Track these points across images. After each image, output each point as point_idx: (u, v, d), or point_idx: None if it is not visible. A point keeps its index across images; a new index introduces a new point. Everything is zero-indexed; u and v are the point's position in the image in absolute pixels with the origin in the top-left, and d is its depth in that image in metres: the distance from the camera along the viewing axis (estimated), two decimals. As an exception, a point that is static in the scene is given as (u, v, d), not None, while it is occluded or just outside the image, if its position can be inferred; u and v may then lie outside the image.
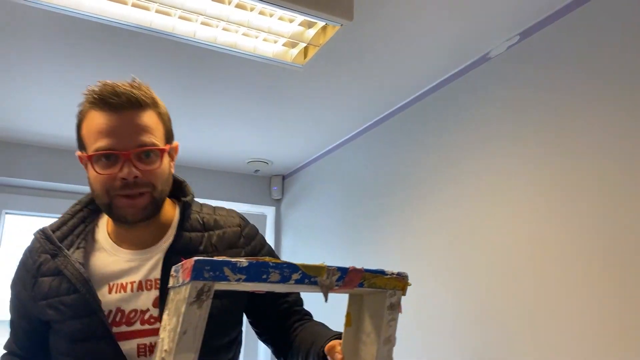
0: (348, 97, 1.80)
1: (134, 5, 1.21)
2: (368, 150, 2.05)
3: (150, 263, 0.95)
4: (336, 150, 2.28)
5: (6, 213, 2.27)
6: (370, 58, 1.52)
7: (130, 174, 0.87)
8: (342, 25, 1.23)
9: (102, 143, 0.88)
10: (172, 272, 0.73)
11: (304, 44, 1.35)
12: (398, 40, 1.43)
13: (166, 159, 0.95)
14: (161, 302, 0.91)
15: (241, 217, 1.06)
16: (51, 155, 2.28)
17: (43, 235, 0.97)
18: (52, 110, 1.90)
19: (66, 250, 0.94)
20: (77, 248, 0.96)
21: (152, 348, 0.92)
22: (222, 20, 1.22)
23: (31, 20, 1.31)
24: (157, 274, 0.94)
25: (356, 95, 1.78)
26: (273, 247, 2.23)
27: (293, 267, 0.71)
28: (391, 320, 0.80)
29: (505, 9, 1.30)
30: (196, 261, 0.65)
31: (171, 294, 0.74)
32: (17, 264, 1.01)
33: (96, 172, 0.89)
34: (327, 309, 1.16)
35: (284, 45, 1.37)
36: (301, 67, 1.43)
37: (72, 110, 1.87)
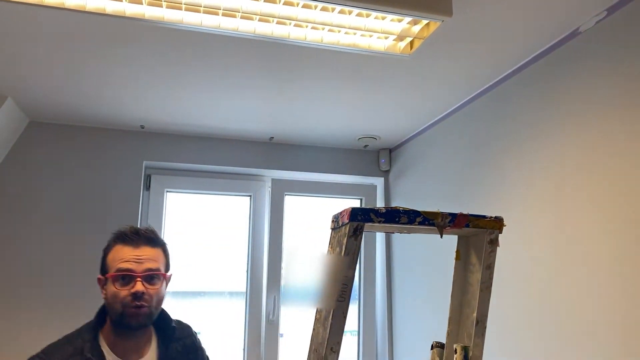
0: (448, 77, 2.02)
1: (261, 19, 1.56)
2: (468, 123, 2.26)
3: None
4: (437, 125, 2.51)
5: (167, 191, 2.82)
6: (468, 42, 1.73)
7: (139, 289, 1.28)
8: (442, 21, 1.47)
9: (123, 265, 1.29)
10: (332, 219, 1.07)
11: (411, 38, 1.61)
12: (492, 23, 1.63)
13: (164, 283, 1.36)
14: None
15: (191, 327, 1.51)
16: (201, 142, 2.77)
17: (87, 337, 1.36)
18: (201, 105, 2.35)
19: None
20: None
21: None
22: (345, 27, 1.53)
23: (190, 43, 1.72)
24: None
25: (455, 74, 2.00)
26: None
27: (416, 213, 1.01)
28: (491, 252, 1.07)
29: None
30: (352, 209, 0.98)
31: (332, 233, 1.08)
32: None
33: (115, 288, 1.29)
34: (444, 252, 1.43)
35: (394, 40, 1.65)
36: (408, 56, 1.70)
37: (215, 104, 2.31)
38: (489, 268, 1.08)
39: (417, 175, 2.73)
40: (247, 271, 2.86)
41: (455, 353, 1.11)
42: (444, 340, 1.21)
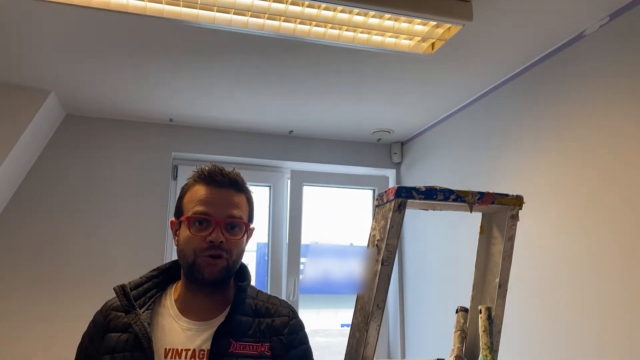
0: (464, 75, 2.20)
1: (285, 20, 1.73)
2: (479, 118, 2.44)
3: (204, 335, 1.07)
4: (448, 119, 2.69)
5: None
6: (484, 43, 1.91)
7: (217, 238, 1.05)
8: (464, 25, 1.65)
9: (201, 208, 1.07)
10: (377, 197, 1.25)
11: (434, 40, 1.79)
12: (507, 27, 1.81)
13: (245, 235, 1.13)
14: None
15: (291, 309, 1.19)
16: (225, 134, 2.95)
17: (122, 291, 1.10)
18: (225, 100, 2.52)
19: (138, 309, 1.07)
20: (147, 309, 1.08)
21: None
22: (375, 29, 1.70)
23: (223, 42, 1.89)
24: (208, 346, 1.05)
25: (471, 73, 2.17)
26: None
27: (451, 191, 1.19)
28: (512, 226, 1.25)
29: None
30: (398, 187, 1.16)
31: (376, 210, 1.26)
32: (90, 323, 1.14)
33: (190, 232, 1.07)
34: (475, 226, 1.60)
35: (417, 41, 1.82)
36: (430, 56, 1.87)
37: (238, 100, 2.49)
38: (510, 240, 1.26)
39: (427, 167, 2.90)
40: (268, 255, 3.04)
41: (480, 313, 1.29)
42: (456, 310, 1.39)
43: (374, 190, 3.26)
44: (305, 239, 3.04)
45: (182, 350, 1.04)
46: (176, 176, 2.93)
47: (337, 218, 3.24)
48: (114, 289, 1.10)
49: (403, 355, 2.95)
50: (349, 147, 3.16)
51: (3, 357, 2.37)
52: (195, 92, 2.42)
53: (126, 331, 1.04)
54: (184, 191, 1.14)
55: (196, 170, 1.14)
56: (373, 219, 1.25)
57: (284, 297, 2.97)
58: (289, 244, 3.02)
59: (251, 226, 1.17)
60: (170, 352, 1.03)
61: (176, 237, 1.12)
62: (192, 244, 1.07)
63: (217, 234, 1.06)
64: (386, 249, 1.18)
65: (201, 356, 1.03)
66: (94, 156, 2.72)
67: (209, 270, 1.06)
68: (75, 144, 2.70)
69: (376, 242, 1.21)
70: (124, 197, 2.72)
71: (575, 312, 1.78)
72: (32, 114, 2.32)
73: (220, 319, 1.09)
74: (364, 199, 3.32)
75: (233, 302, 1.10)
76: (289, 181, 3.11)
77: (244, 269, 1.18)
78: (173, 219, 1.14)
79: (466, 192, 1.20)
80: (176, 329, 1.07)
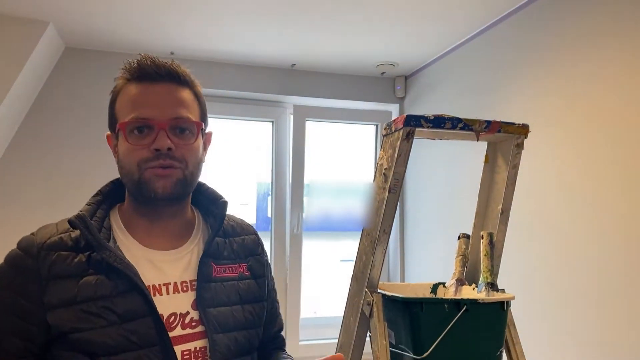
0: (466, 4, 2.15)
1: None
2: (483, 52, 2.40)
3: (181, 264, 0.91)
4: (452, 53, 2.65)
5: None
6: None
7: (164, 143, 0.84)
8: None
9: (137, 112, 0.86)
10: (385, 126, 1.26)
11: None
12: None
13: (200, 139, 0.92)
14: (199, 304, 0.88)
15: (251, 225, 1.08)
16: (226, 68, 2.91)
17: (83, 223, 0.85)
18: (227, 33, 2.47)
19: (106, 243, 0.85)
20: (114, 243, 0.88)
21: (197, 354, 0.87)
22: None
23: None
24: (190, 275, 0.90)
25: (474, 2, 2.12)
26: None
27: (459, 119, 1.21)
28: (517, 154, 1.28)
29: None
30: (407, 115, 1.17)
31: (384, 139, 1.28)
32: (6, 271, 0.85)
33: (129, 142, 0.86)
34: (476, 158, 1.63)
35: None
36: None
37: (240, 32, 2.43)
38: (514, 168, 1.29)
39: (431, 102, 2.89)
40: (272, 191, 3.09)
41: (482, 239, 1.34)
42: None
43: (376, 126, 3.26)
44: (308, 176, 3.08)
45: (160, 285, 0.87)
46: (179, 111, 2.92)
47: (340, 155, 3.26)
48: (69, 221, 0.86)
49: (402, 279, 3.08)
50: (352, 81, 3.13)
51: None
52: (195, 24, 2.37)
53: (102, 273, 0.82)
54: (114, 95, 0.92)
55: (124, 64, 0.91)
56: (381, 148, 1.28)
57: (287, 232, 3.05)
58: (293, 180, 3.06)
59: (206, 129, 0.95)
60: (148, 288, 0.84)
61: (116, 154, 0.92)
62: (134, 156, 0.86)
63: (163, 139, 0.85)
64: (393, 177, 1.21)
65: (185, 288, 0.89)
66: (94, 90, 2.69)
67: (161, 185, 0.85)
68: (75, 78, 2.67)
69: (383, 171, 1.24)
70: (128, 132, 2.73)
71: (574, 239, 1.85)
72: (31, 48, 2.28)
73: (193, 244, 0.94)
74: (366, 135, 3.33)
75: (217, 224, 0.96)
76: (291, 117, 3.11)
77: (208, 190, 1.01)
78: (108, 132, 0.94)
79: (474, 121, 1.22)
80: (144, 262, 0.87)
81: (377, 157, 1.27)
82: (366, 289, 1.26)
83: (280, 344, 1.11)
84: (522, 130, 1.26)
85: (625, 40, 1.67)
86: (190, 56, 2.81)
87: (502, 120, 1.24)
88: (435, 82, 2.85)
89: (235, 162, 3.09)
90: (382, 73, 3.10)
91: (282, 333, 1.14)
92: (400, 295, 1.19)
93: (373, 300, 1.23)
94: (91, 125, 2.67)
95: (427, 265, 2.88)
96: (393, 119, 1.22)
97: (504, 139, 1.30)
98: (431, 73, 2.90)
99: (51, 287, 0.81)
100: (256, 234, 1.07)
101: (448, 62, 2.72)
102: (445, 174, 2.68)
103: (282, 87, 3.01)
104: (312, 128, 3.18)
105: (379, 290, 1.26)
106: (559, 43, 1.95)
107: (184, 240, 0.95)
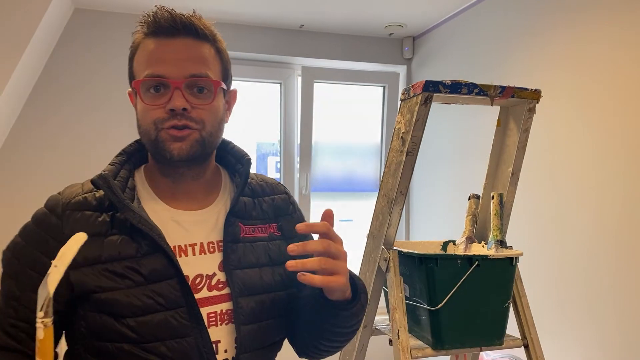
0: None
1: None
2: (492, 14, 2.40)
3: (208, 224, 0.89)
4: (461, 14, 2.64)
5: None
6: None
7: (179, 103, 0.80)
8: None
9: (151, 70, 0.82)
10: (403, 91, 1.31)
11: None
12: None
13: (220, 98, 0.87)
14: (225, 265, 0.86)
15: (282, 184, 1.04)
16: (234, 29, 2.91)
17: (106, 184, 0.83)
18: None
19: (130, 204, 0.83)
20: (138, 203, 0.85)
21: (222, 316, 0.84)
22: None
23: None
24: (217, 236, 0.88)
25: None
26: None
27: (475, 85, 1.25)
28: (528, 118, 1.33)
29: None
30: (425, 81, 1.22)
31: (402, 104, 1.33)
32: (23, 229, 0.85)
33: (144, 102, 0.83)
34: (489, 124, 1.68)
35: None
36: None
37: None
38: (526, 131, 1.35)
39: (439, 64, 2.91)
40: (280, 152, 3.15)
41: (492, 199, 1.42)
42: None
43: (384, 87, 3.28)
44: (316, 137, 3.13)
45: (186, 246, 0.85)
46: (188, 73, 2.94)
47: (347, 116, 3.30)
48: (91, 181, 0.84)
49: (407, 237, 3.19)
50: (360, 42, 3.13)
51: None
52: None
53: (126, 234, 0.82)
54: (132, 51, 0.88)
55: (141, 18, 0.86)
56: (399, 112, 1.33)
57: (296, 193, 3.12)
58: (301, 141, 3.11)
59: (226, 85, 0.89)
60: (173, 250, 0.83)
61: (136, 112, 0.88)
62: (150, 116, 0.83)
63: (178, 98, 0.81)
64: (411, 140, 1.27)
65: (211, 249, 0.87)
66: (104, 52, 2.70)
67: (177, 146, 0.82)
68: (85, 39, 2.68)
69: (401, 135, 1.30)
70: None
71: (580, 199, 1.92)
72: (42, 10, 2.28)
73: (220, 204, 0.92)
74: (373, 96, 3.35)
75: (243, 182, 0.92)
76: (299, 78, 3.13)
77: (231, 148, 0.97)
78: (129, 89, 0.90)
79: (488, 86, 1.27)
80: (169, 223, 0.86)
81: (395, 121, 1.32)
82: (383, 246, 1.34)
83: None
84: (535, 95, 1.30)
85: (636, 2, 1.69)
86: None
87: (516, 86, 1.28)
88: (443, 44, 2.86)
89: (235, 122, 3.12)
90: (390, 34, 3.10)
91: None
92: (417, 252, 1.27)
93: (390, 257, 1.31)
94: (101, 87, 2.70)
95: (432, 224, 2.98)
96: (411, 84, 1.26)
97: (517, 103, 1.35)
98: (439, 35, 2.90)
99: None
100: (287, 193, 1.01)
101: (457, 24, 2.72)
102: (455, 136, 2.73)
103: (290, 48, 3.02)
104: (320, 89, 3.20)
105: (395, 248, 1.34)
106: (570, 7, 1.96)
107: (210, 200, 0.91)
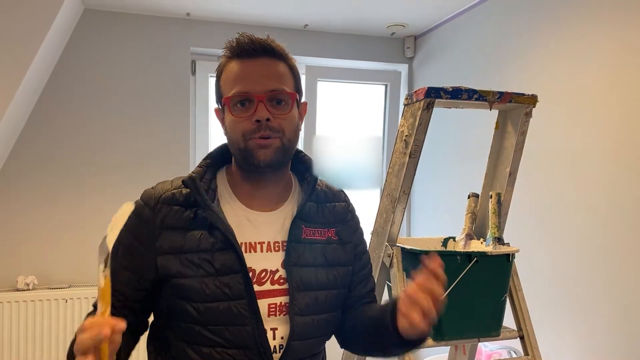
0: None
1: None
2: (493, 15, 2.46)
3: (276, 225, 1.00)
4: (463, 14, 2.70)
5: (211, 76, 3.08)
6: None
7: (263, 114, 0.93)
8: None
9: (238, 88, 0.95)
10: (406, 96, 1.38)
11: None
12: None
13: (296, 109, 0.99)
14: (286, 262, 0.97)
15: (344, 192, 1.14)
16: (242, 29, 2.97)
17: (194, 184, 0.97)
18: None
19: (211, 203, 0.96)
20: (218, 203, 0.98)
21: (281, 308, 0.96)
22: None
23: None
24: (283, 236, 0.99)
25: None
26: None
27: (474, 91, 1.32)
28: (525, 122, 1.40)
29: None
30: (428, 88, 1.29)
31: (405, 108, 1.40)
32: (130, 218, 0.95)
33: (233, 115, 0.96)
34: (488, 127, 1.74)
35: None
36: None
37: None
38: (522, 134, 1.42)
39: (440, 63, 2.97)
40: (285, 149, 3.21)
41: (491, 198, 1.49)
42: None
43: (386, 86, 3.35)
44: (318, 134, 3.19)
45: (255, 243, 0.98)
46: (194, 71, 3.01)
47: (350, 114, 3.36)
48: (182, 181, 0.98)
49: (408, 234, 3.27)
50: (362, 41, 3.19)
51: (31, 258, 2.63)
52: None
53: (206, 229, 0.94)
54: (219, 72, 1.01)
55: (226, 45, 1.00)
56: (402, 116, 1.40)
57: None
58: (304, 139, 3.18)
59: (301, 99, 1.03)
60: (244, 245, 0.96)
61: (224, 125, 1.02)
62: (239, 127, 0.95)
63: (262, 110, 0.94)
64: (414, 143, 1.34)
65: (277, 248, 0.98)
66: (113, 52, 2.77)
67: (262, 153, 0.94)
68: (94, 40, 2.74)
69: (404, 138, 1.37)
70: (145, 93, 2.82)
71: (574, 199, 2.00)
72: (55, 11, 2.34)
73: (288, 207, 1.03)
74: (375, 95, 3.41)
75: (311, 189, 1.03)
76: (304, 77, 3.19)
77: (301, 156, 1.09)
78: (216, 107, 1.04)
79: (487, 92, 1.34)
80: (244, 221, 0.98)
81: (399, 124, 1.39)
82: (387, 243, 1.41)
83: (372, 299, 1.13)
84: (531, 100, 1.37)
85: (634, 4, 1.75)
86: (205, 17, 2.87)
87: (513, 91, 1.35)
88: (444, 43, 2.92)
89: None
90: (392, 34, 3.16)
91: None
92: (419, 248, 1.35)
93: (393, 253, 1.38)
94: (110, 88, 2.76)
95: (433, 221, 3.05)
96: (414, 89, 1.33)
97: (514, 107, 1.43)
98: (441, 34, 2.96)
99: (163, 235, 0.94)
100: (347, 201, 1.12)
101: (458, 24, 2.79)
102: (455, 138, 2.80)
103: (294, 47, 3.06)
104: (322, 87, 3.26)
105: (398, 244, 1.41)
106: (572, 8, 2.03)
107: (281, 203, 1.03)
